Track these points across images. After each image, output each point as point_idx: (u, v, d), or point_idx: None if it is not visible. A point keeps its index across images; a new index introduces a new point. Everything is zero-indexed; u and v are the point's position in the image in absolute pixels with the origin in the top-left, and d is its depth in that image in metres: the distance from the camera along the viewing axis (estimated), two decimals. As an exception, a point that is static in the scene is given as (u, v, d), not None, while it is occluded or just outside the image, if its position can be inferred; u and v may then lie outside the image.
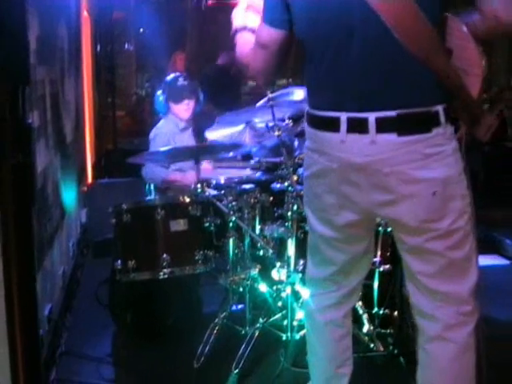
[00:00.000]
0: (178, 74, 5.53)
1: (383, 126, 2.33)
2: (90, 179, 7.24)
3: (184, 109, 5.15)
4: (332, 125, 2.42)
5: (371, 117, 2.33)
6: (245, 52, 2.78)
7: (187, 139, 5.18)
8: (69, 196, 4.96)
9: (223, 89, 7.99)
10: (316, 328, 2.86)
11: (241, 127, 4.21)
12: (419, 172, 2.35)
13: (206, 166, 4.88)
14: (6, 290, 1.29)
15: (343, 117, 2.38)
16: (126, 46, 11.58)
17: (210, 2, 3.14)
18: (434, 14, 2.28)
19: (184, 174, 4.86)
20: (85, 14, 7.33)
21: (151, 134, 5.21)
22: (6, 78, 1.23)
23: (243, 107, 5.35)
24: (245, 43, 2.79)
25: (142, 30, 11.52)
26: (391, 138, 2.33)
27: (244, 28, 2.82)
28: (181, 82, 5.20)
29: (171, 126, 5.17)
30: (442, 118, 2.35)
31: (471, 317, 2.51)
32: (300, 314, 3.77)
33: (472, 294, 2.50)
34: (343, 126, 2.38)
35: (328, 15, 2.39)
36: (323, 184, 2.54)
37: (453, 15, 2.36)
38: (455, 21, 2.35)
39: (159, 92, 5.21)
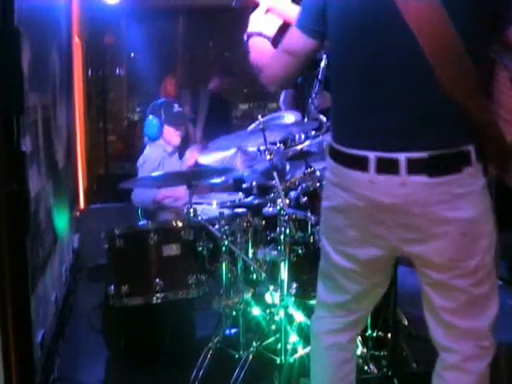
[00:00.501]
0: (169, 99, 5.58)
1: (414, 167, 2.28)
2: (82, 204, 7.24)
3: (177, 134, 5.20)
4: (360, 163, 2.35)
5: (402, 158, 2.28)
6: (261, 56, 2.75)
7: (175, 163, 5.22)
8: (61, 221, 4.96)
9: (215, 114, 8.02)
10: (320, 350, 2.79)
11: (232, 151, 4.23)
12: (449, 212, 2.31)
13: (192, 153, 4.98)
14: (2, 318, 1.29)
15: (372, 156, 2.32)
16: (118, 70, 11.61)
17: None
18: (479, 56, 2.25)
19: (173, 190, 4.89)
20: (76, 39, 7.35)
21: (139, 161, 5.26)
22: (0, 107, 1.24)
23: (235, 131, 5.38)
24: (260, 48, 2.79)
25: (132, 54, 11.54)
26: (422, 179, 2.28)
27: (259, 34, 2.82)
28: (176, 108, 5.25)
29: (160, 152, 5.22)
30: (473, 158, 2.30)
31: (489, 351, 2.49)
32: (294, 337, 3.77)
33: (491, 329, 2.48)
34: (372, 166, 2.32)
35: (367, 45, 2.34)
36: (346, 219, 2.48)
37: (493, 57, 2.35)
38: (495, 63, 2.34)
39: (151, 116, 5.23)
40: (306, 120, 4.35)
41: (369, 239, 2.45)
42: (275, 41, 2.82)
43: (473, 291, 2.41)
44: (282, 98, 6.76)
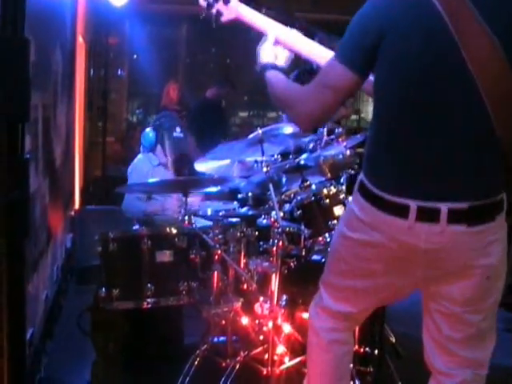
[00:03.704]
0: (175, 118, 5.59)
1: (455, 217, 2.29)
2: (77, 205, 7.24)
3: (167, 156, 5.27)
4: (399, 210, 2.34)
5: (444, 208, 2.29)
6: (288, 92, 2.63)
7: (163, 173, 5.25)
8: (55, 221, 4.97)
9: (211, 122, 7.97)
10: (321, 345, 2.79)
11: (229, 161, 4.25)
12: (479, 260, 2.36)
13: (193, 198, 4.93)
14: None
15: (413, 205, 2.31)
16: (119, 71, 11.62)
17: (224, 20, 3.07)
18: None
19: (163, 203, 4.91)
20: (80, 39, 7.37)
21: (129, 169, 5.34)
22: (5, 115, 1.26)
23: (233, 139, 5.41)
24: (283, 82, 2.68)
25: (135, 56, 11.56)
26: (461, 228, 2.30)
27: (274, 66, 2.77)
28: (177, 133, 5.26)
29: (146, 163, 5.29)
30: (504, 205, 2.36)
31: (484, 378, 2.56)
32: (281, 349, 3.79)
33: (489, 358, 2.54)
34: (412, 215, 2.32)
35: (422, 94, 2.29)
36: (372, 253, 2.47)
37: None
38: None
39: (149, 129, 5.27)
40: (322, 131, 4.35)
41: (393, 272, 2.47)
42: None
43: (481, 325, 2.47)
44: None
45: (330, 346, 2.76)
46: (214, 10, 3.04)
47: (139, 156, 5.42)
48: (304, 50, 2.93)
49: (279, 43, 2.88)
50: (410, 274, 2.44)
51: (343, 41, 2.42)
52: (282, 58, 2.87)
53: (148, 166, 5.27)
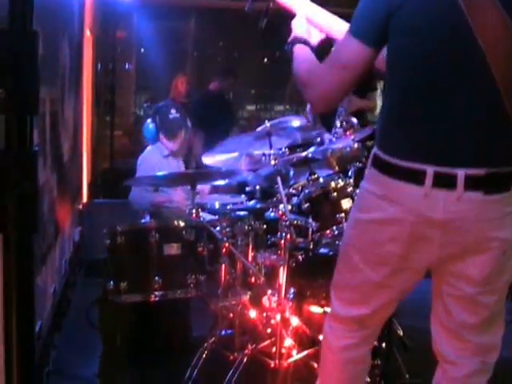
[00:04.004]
0: (170, 102, 5.57)
1: (472, 183, 2.26)
2: (85, 198, 7.26)
3: (172, 142, 5.24)
4: (415, 177, 2.31)
5: (461, 173, 2.26)
6: (308, 70, 2.56)
7: (174, 166, 5.23)
8: (63, 214, 4.98)
9: (216, 114, 7.90)
10: (336, 364, 2.74)
11: (237, 154, 4.25)
12: (496, 232, 2.33)
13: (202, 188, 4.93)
14: (5, 319, 1.32)
15: (430, 170, 2.28)
16: (127, 65, 11.63)
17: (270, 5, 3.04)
18: None
19: (170, 195, 4.91)
20: (87, 33, 7.38)
21: (138, 161, 5.31)
22: (15, 107, 1.27)
23: (240, 132, 5.41)
24: (308, 60, 2.62)
25: (143, 50, 11.56)
26: (478, 196, 2.28)
27: (305, 41, 2.71)
28: (173, 114, 5.21)
29: (156, 154, 5.26)
30: None
31: (491, 366, 2.55)
32: (288, 342, 3.79)
33: (499, 343, 2.53)
34: (429, 180, 2.28)
35: (437, 62, 2.28)
36: (389, 231, 2.42)
37: None
38: None
39: (149, 120, 5.26)
40: (337, 123, 4.34)
41: (409, 255, 2.42)
42: (316, 54, 2.69)
43: (494, 308, 2.46)
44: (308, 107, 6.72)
45: (345, 366, 2.72)
46: None
47: (149, 147, 5.39)
48: (323, 23, 2.87)
49: (310, 22, 2.82)
50: (426, 252, 2.40)
51: (355, 16, 2.39)
52: (315, 37, 2.82)
53: (158, 157, 5.24)
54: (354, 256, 2.57)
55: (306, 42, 2.73)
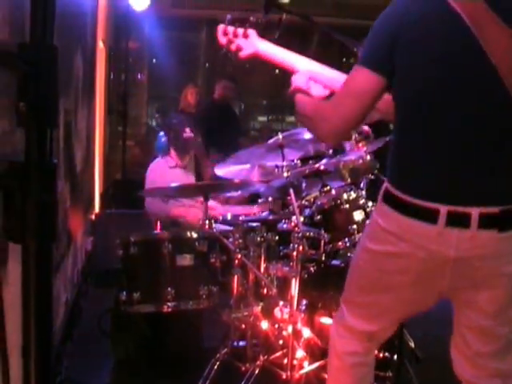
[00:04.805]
0: (184, 119, 5.60)
1: (486, 221, 2.24)
2: (97, 208, 7.28)
3: (182, 159, 5.30)
4: (428, 215, 2.28)
5: (475, 212, 2.24)
6: (315, 109, 2.56)
7: (180, 176, 5.26)
8: (76, 224, 5.00)
9: (220, 124, 7.86)
10: (344, 369, 2.75)
11: (249, 165, 4.26)
12: (508, 266, 2.33)
13: (213, 204, 4.95)
14: (24, 325, 1.34)
15: (443, 210, 2.26)
16: (139, 75, 11.68)
17: (243, 55, 3.10)
18: None
19: (187, 211, 4.92)
20: (100, 44, 7.42)
21: (147, 171, 5.35)
22: (35, 120, 1.29)
23: (252, 143, 5.43)
24: (308, 103, 2.63)
25: (155, 60, 11.61)
26: (492, 234, 2.26)
27: (306, 92, 2.73)
28: (187, 133, 5.27)
29: (162, 165, 5.30)
30: None
31: None
32: (300, 353, 3.79)
33: None
34: (442, 220, 2.26)
35: (448, 95, 2.26)
36: (398, 265, 2.42)
37: None
38: None
39: (162, 133, 5.32)
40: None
41: (419, 285, 2.42)
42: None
43: (509, 337, 2.45)
44: None
45: (353, 370, 2.73)
46: (233, 46, 3.05)
47: (158, 159, 5.46)
48: (326, 79, 2.90)
49: (312, 79, 2.85)
50: (436, 285, 2.40)
51: (365, 45, 2.40)
52: (317, 92, 2.83)
53: (164, 168, 5.29)
54: (364, 280, 2.59)
55: (307, 93, 2.75)
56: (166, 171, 5.28)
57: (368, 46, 2.39)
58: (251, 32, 3.03)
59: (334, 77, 2.89)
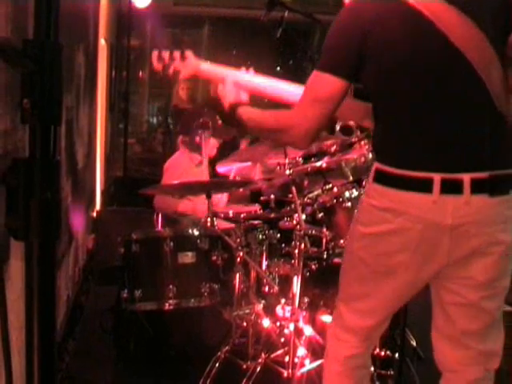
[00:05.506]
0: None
1: (477, 186, 2.31)
2: (98, 206, 7.28)
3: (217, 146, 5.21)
4: (422, 185, 2.34)
5: (466, 178, 2.30)
6: (271, 119, 2.64)
7: (201, 174, 5.17)
8: (77, 222, 5.00)
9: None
10: (344, 373, 2.74)
11: (251, 163, 4.26)
12: (501, 235, 2.38)
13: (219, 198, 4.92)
14: (27, 322, 1.34)
15: (437, 178, 2.31)
16: (141, 73, 11.67)
17: (182, 77, 3.17)
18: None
19: (195, 207, 4.89)
20: (102, 42, 7.41)
21: (166, 165, 5.21)
22: (39, 117, 1.28)
23: (254, 141, 5.40)
24: (263, 114, 2.68)
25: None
26: (484, 199, 2.32)
27: (243, 103, 2.79)
28: (206, 136, 5.16)
29: (186, 161, 5.16)
30: None
31: (493, 374, 2.56)
32: (302, 351, 3.79)
33: (501, 350, 2.55)
34: (436, 187, 2.31)
35: (431, 69, 2.34)
36: (397, 242, 2.43)
37: None
38: None
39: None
40: (337, 128, 4.37)
41: (418, 261, 2.43)
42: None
43: (495, 314, 2.50)
44: None
45: (355, 373, 2.74)
46: (171, 70, 3.08)
47: (178, 152, 5.29)
48: (263, 89, 3.01)
49: (237, 85, 2.89)
50: (435, 259, 2.42)
51: (323, 50, 2.44)
52: (246, 98, 2.87)
53: (188, 165, 5.13)
54: (363, 268, 2.58)
55: (241, 104, 2.79)
56: (189, 168, 5.13)
57: (327, 51, 2.44)
58: (189, 53, 3.08)
59: (260, 83, 3.00)
